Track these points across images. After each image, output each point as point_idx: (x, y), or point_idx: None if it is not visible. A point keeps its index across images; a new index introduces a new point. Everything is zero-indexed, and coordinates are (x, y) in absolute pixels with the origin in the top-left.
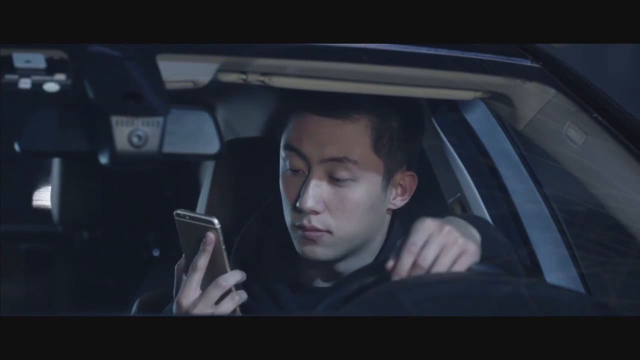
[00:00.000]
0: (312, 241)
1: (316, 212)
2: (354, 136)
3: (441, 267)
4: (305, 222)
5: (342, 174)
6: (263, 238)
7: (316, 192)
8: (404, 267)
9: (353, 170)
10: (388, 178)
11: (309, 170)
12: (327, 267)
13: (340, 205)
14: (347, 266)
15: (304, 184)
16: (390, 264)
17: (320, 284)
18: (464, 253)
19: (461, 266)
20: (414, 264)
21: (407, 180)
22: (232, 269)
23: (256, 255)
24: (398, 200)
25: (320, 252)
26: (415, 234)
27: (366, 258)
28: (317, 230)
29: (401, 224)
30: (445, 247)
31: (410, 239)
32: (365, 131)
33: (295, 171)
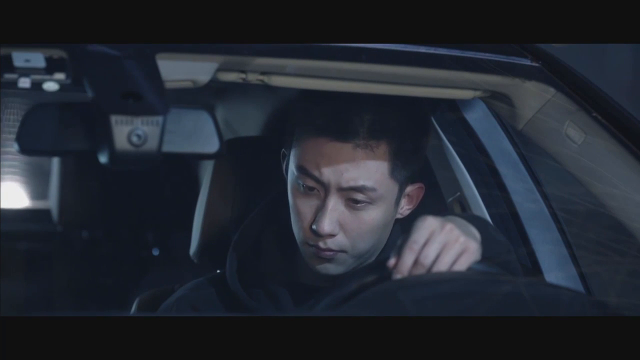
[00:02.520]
0: (326, 260)
1: (333, 236)
2: (373, 164)
3: (442, 265)
4: (320, 244)
5: (360, 197)
6: (262, 236)
7: (333, 217)
8: (405, 265)
9: (370, 194)
10: (400, 194)
11: (326, 193)
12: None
13: (356, 227)
14: (350, 269)
15: (321, 207)
16: (391, 262)
17: (319, 283)
18: (465, 251)
19: (462, 264)
20: (416, 262)
21: (416, 191)
22: (231, 266)
23: (254, 253)
24: (405, 210)
25: (333, 269)
26: (417, 232)
27: (368, 260)
28: (332, 251)
29: (400, 224)
30: (446, 245)
31: (411, 237)
32: (384, 157)
33: (310, 189)
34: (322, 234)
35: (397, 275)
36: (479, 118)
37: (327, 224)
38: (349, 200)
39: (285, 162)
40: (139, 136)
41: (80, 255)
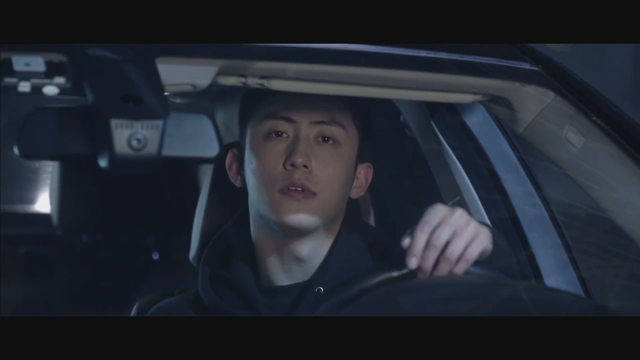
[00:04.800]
0: (298, 202)
1: (306, 168)
2: (340, 105)
3: (456, 248)
4: (295, 179)
5: (330, 134)
6: (231, 245)
7: (306, 150)
8: (418, 246)
9: (338, 134)
10: (356, 161)
11: (298, 131)
12: (291, 260)
13: (325, 166)
14: (310, 251)
15: (292, 144)
16: (405, 242)
17: (285, 282)
18: (477, 236)
19: (475, 250)
20: (428, 243)
21: (365, 171)
22: (204, 277)
23: (225, 260)
24: (355, 191)
25: (303, 218)
26: (428, 215)
27: (324, 242)
28: (306, 187)
29: (355, 208)
30: (458, 228)
31: (423, 219)
32: (347, 105)
33: (278, 134)
34: (296, 165)
35: (412, 259)
36: (478, 122)
37: (301, 154)
38: (317, 137)
39: (243, 127)
40: (138, 140)
41: (80, 259)
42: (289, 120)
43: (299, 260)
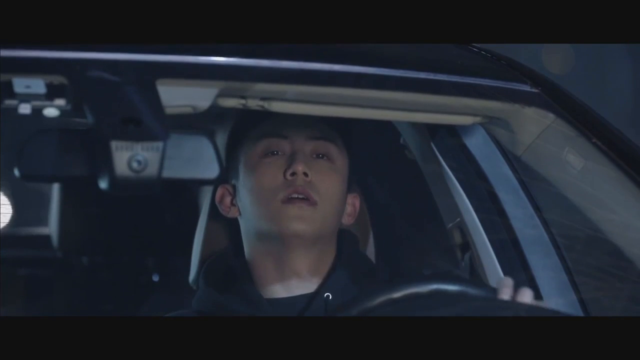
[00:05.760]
0: (301, 210)
1: (307, 176)
2: (330, 127)
3: None
4: (297, 185)
5: (324, 151)
6: (226, 269)
7: (305, 161)
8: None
9: (333, 151)
10: (346, 188)
11: (294, 146)
12: (291, 274)
13: (323, 178)
14: (310, 265)
15: (290, 158)
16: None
17: (284, 294)
18: None
19: None
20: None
21: (353, 201)
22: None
23: (222, 282)
24: (347, 218)
25: (306, 226)
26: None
27: (323, 256)
28: (308, 195)
29: (349, 237)
30: None
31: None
32: (335, 130)
33: (274, 153)
34: (297, 172)
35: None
36: (478, 144)
37: (301, 162)
38: (313, 153)
39: (234, 152)
40: (139, 162)
41: (80, 281)
42: (284, 137)
43: (299, 275)
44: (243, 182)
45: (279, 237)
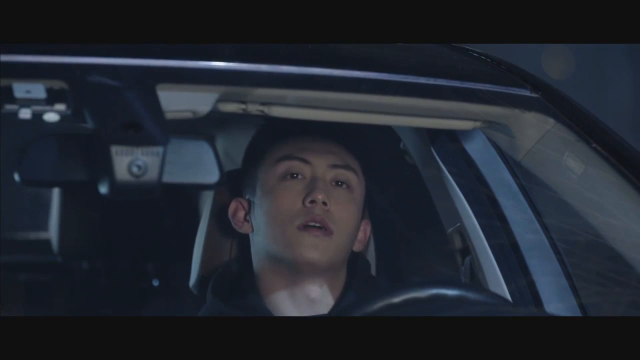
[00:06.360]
0: (316, 238)
1: (326, 205)
2: (351, 154)
3: None
4: (315, 213)
5: (344, 179)
6: (234, 283)
7: (325, 190)
8: None
9: (352, 180)
10: (361, 217)
11: (315, 173)
12: (303, 298)
13: (341, 208)
14: (322, 291)
15: (310, 183)
16: None
17: (295, 314)
18: None
19: None
20: None
21: (364, 227)
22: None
23: (230, 296)
24: (357, 245)
25: (320, 255)
26: None
27: (332, 292)
28: (325, 224)
29: (360, 261)
30: None
31: None
32: (355, 156)
33: (293, 176)
34: (317, 201)
35: None
36: (478, 149)
37: (321, 191)
38: (332, 180)
39: (252, 171)
40: (139, 167)
41: (80, 286)
42: (305, 161)
43: (308, 297)
44: (260, 202)
45: (291, 262)
